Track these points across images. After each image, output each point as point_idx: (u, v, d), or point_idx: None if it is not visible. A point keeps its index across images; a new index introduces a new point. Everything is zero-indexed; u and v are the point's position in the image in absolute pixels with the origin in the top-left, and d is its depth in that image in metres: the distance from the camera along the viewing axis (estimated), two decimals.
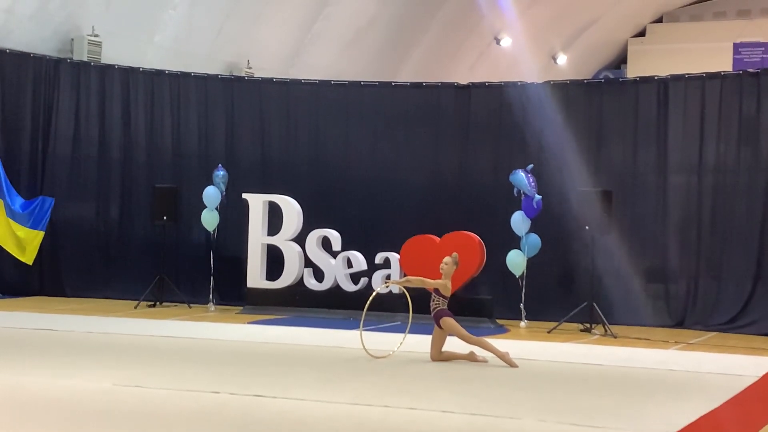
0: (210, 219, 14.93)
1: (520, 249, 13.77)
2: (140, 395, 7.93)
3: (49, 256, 16.14)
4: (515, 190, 13.71)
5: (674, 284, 14.33)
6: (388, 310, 14.05)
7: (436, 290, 10.41)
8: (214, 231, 14.97)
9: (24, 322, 12.45)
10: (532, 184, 13.67)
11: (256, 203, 14.87)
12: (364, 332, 10.45)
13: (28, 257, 15.77)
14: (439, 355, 10.25)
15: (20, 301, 15.13)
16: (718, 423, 7.66)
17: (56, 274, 16.21)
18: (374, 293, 10.75)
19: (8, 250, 15.59)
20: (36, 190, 16.11)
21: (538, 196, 13.67)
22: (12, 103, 16.14)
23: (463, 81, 16.49)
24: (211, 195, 14.89)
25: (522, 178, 13.65)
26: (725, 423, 7.72)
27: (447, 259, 10.53)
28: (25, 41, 16.30)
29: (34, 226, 15.76)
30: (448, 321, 10.25)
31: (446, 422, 7.25)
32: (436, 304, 10.36)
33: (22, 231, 15.67)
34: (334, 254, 14.55)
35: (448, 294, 10.43)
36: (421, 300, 13.76)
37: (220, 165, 15.08)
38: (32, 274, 16.01)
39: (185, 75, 16.55)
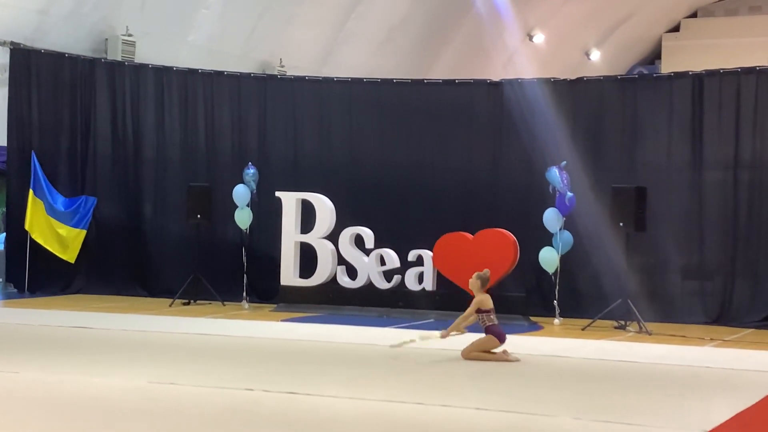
0: (243, 217, 14.98)
1: (553, 246, 13.72)
2: (175, 393, 7.97)
3: (91, 255, 16.28)
4: (550, 188, 13.67)
5: (710, 281, 14.21)
6: (421, 308, 14.08)
7: (478, 309, 10.31)
8: (246, 229, 15.03)
9: (61, 320, 12.55)
10: (565, 180, 13.61)
11: (290, 201, 14.91)
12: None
13: (70, 255, 15.95)
14: (468, 354, 10.16)
15: (58, 299, 15.26)
16: (755, 420, 7.59)
17: (97, 273, 16.36)
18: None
19: (50, 249, 15.74)
20: (77, 190, 16.28)
21: (570, 194, 13.61)
22: (49, 103, 16.31)
23: (496, 78, 16.43)
24: (241, 193, 14.95)
25: (555, 175, 13.60)
26: (762, 420, 7.65)
27: (474, 276, 10.43)
28: (60, 42, 16.45)
29: (76, 225, 15.95)
30: (488, 338, 10.18)
31: (481, 420, 7.24)
32: (483, 321, 10.28)
33: (63, 229, 15.85)
34: (367, 252, 14.55)
35: (489, 306, 10.29)
36: (450, 298, 13.81)
37: (249, 163, 15.14)
38: (75, 273, 16.15)
39: (218, 74, 16.62)
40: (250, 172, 15.01)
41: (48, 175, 15.84)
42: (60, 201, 15.90)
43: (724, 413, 7.51)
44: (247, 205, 14.99)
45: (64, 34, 16.58)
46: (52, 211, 15.74)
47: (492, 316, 10.24)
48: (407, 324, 13.10)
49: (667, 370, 9.99)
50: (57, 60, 16.31)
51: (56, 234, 15.83)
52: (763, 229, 13.94)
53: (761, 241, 13.95)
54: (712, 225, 14.23)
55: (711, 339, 12.46)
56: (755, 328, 13.51)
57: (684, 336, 12.62)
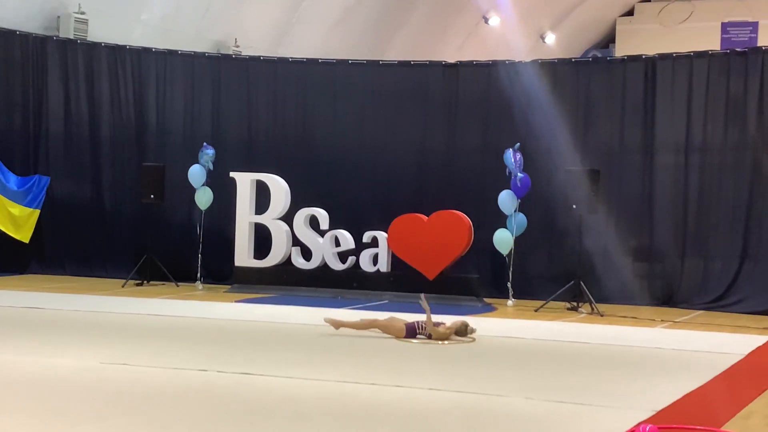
0: (203, 197, 14.89)
1: (507, 228, 13.79)
2: (127, 373, 7.93)
3: (45, 235, 16.11)
4: (507, 170, 13.75)
5: (661, 263, 14.38)
6: (375, 289, 14.12)
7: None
8: (204, 209, 14.93)
9: (11, 301, 12.42)
10: (518, 162, 13.69)
11: (244, 182, 14.85)
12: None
13: (24, 235, 15.75)
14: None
15: (10, 279, 15.10)
16: (704, 400, 7.70)
17: (51, 252, 16.20)
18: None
19: (3, 229, 15.53)
20: (30, 169, 16.08)
21: (520, 175, 13.69)
22: (1, 80, 16.07)
23: (452, 60, 16.46)
24: (197, 173, 14.86)
25: (507, 157, 13.70)
26: (711, 400, 7.76)
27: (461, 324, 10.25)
28: (10, 19, 16.18)
29: (29, 204, 15.75)
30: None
31: (434, 400, 7.28)
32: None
33: (16, 208, 15.64)
34: (322, 233, 14.55)
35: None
36: (405, 279, 13.88)
37: (205, 143, 15.05)
38: (28, 253, 15.97)
39: (172, 53, 16.48)
40: (209, 152, 14.92)
41: (3, 154, 15.62)
42: (13, 180, 15.69)
43: (673, 393, 7.61)
44: (204, 185, 14.92)
45: (15, 11, 16.31)
46: (4, 190, 15.53)
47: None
48: (362, 305, 13.13)
49: (618, 351, 10.10)
50: (8, 37, 16.06)
51: (9, 213, 15.63)
52: (712, 212, 14.12)
53: (711, 224, 14.13)
54: (664, 208, 14.39)
55: (661, 320, 12.61)
56: (705, 309, 13.70)
57: (635, 317, 12.76)
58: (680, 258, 14.22)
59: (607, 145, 14.70)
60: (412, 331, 10.16)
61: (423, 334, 10.12)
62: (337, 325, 10.35)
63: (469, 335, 10.13)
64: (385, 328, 10.23)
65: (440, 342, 9.99)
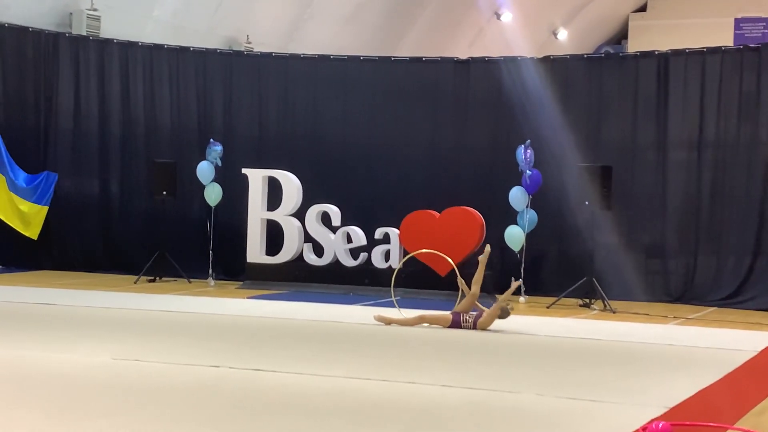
0: (213, 194, 14.90)
1: (518, 224, 13.77)
2: (139, 369, 7.94)
3: (54, 231, 16.14)
4: (520, 167, 13.74)
5: (673, 259, 14.34)
6: (387, 285, 14.08)
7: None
8: (214, 206, 14.94)
9: (24, 297, 12.45)
10: (528, 158, 13.67)
11: (256, 178, 14.86)
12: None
13: (32, 232, 15.78)
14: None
15: (20, 275, 15.14)
16: (716, 397, 7.67)
17: (61, 249, 16.24)
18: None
19: (12, 225, 15.57)
20: (40, 165, 16.11)
21: (529, 171, 13.67)
22: (13, 77, 16.12)
23: (463, 56, 16.43)
24: (205, 170, 14.87)
25: (518, 153, 13.68)
26: (723, 397, 7.73)
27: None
28: (23, 15, 16.23)
29: (38, 201, 15.78)
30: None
31: (446, 396, 7.27)
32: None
33: (25, 205, 15.68)
34: (334, 229, 14.55)
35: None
36: (416, 276, 13.86)
37: (211, 140, 15.05)
38: (38, 249, 16.00)
39: (184, 49, 16.49)
40: (217, 149, 14.92)
41: (9, 151, 15.67)
42: (22, 177, 15.73)
43: (686, 390, 7.59)
44: (212, 182, 14.91)
45: (27, 8, 16.36)
46: (13, 187, 15.57)
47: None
48: (373, 301, 13.12)
49: (630, 348, 10.08)
50: (20, 34, 16.10)
51: (18, 210, 15.66)
52: (725, 209, 14.08)
53: (724, 221, 14.09)
54: (676, 204, 14.35)
55: (674, 317, 12.58)
56: (718, 306, 13.66)
57: (647, 314, 12.73)
58: (693, 255, 14.18)
59: (620, 142, 14.66)
60: (457, 323, 10.68)
61: (468, 326, 10.65)
62: (388, 321, 10.81)
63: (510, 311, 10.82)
64: (434, 320, 10.85)
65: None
